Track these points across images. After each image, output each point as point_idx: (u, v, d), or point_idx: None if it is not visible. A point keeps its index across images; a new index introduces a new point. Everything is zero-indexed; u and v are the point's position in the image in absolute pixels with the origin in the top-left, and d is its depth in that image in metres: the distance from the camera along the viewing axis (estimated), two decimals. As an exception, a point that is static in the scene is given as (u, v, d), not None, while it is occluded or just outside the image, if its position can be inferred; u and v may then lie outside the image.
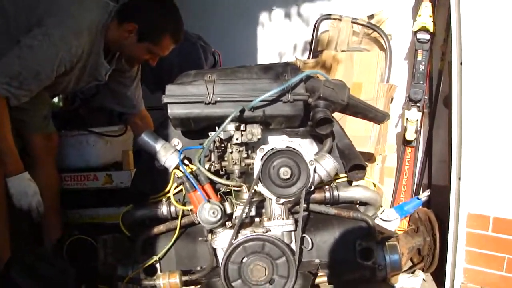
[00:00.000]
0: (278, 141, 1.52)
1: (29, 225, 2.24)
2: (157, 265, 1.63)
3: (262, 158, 1.46)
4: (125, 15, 1.97)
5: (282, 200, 1.50)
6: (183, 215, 1.62)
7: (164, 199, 1.66)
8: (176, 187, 1.63)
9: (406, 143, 2.80)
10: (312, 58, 3.07)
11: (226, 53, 3.18)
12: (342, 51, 2.89)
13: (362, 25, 2.91)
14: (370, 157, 2.64)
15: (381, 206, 1.79)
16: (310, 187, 1.52)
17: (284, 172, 1.45)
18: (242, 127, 1.53)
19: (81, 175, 2.47)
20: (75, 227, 2.36)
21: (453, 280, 2.04)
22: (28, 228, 2.26)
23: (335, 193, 1.70)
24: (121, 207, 1.73)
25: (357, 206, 1.79)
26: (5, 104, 1.82)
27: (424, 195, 2.68)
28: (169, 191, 1.63)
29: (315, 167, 1.53)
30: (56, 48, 1.81)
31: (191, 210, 1.59)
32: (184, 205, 1.62)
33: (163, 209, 1.64)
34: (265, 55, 3.56)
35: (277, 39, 3.54)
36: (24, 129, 2.13)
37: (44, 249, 2.20)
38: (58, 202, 2.29)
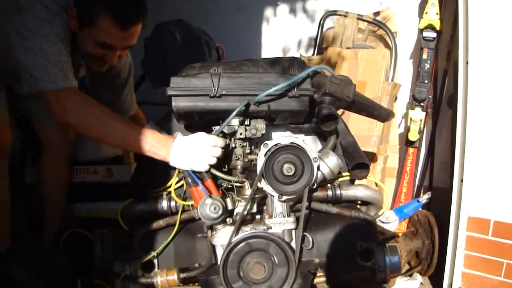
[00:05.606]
0: (282, 137, 1.49)
1: (29, 218, 2.23)
2: (155, 261, 1.60)
3: (266, 154, 1.43)
4: None
5: (284, 198, 1.48)
6: (183, 211, 1.60)
7: (164, 193, 1.63)
8: (178, 181, 1.60)
9: (408, 143, 2.78)
10: (317, 54, 3.05)
11: (229, 49, 3.15)
12: (347, 48, 2.86)
13: (368, 22, 2.88)
14: (372, 157, 2.62)
15: (382, 208, 1.76)
16: (313, 184, 1.49)
17: (288, 169, 1.42)
18: (247, 121, 1.51)
19: (81, 169, 2.44)
20: (73, 221, 2.35)
21: (451, 284, 2.02)
22: (28, 221, 2.24)
23: (337, 191, 1.67)
24: (121, 201, 1.70)
25: (359, 205, 1.76)
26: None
27: (424, 198, 2.66)
28: (170, 186, 1.60)
29: (319, 164, 1.51)
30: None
31: (191, 205, 1.56)
32: (184, 200, 1.59)
33: (163, 204, 1.61)
34: (270, 51, 3.53)
35: (281, 35, 3.51)
36: (38, 121, 2.08)
37: (41, 242, 2.18)
38: (64, 196, 2.25)
